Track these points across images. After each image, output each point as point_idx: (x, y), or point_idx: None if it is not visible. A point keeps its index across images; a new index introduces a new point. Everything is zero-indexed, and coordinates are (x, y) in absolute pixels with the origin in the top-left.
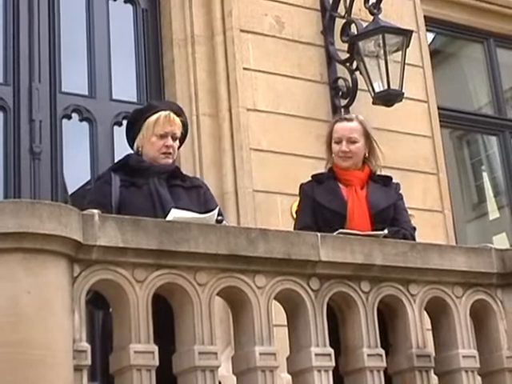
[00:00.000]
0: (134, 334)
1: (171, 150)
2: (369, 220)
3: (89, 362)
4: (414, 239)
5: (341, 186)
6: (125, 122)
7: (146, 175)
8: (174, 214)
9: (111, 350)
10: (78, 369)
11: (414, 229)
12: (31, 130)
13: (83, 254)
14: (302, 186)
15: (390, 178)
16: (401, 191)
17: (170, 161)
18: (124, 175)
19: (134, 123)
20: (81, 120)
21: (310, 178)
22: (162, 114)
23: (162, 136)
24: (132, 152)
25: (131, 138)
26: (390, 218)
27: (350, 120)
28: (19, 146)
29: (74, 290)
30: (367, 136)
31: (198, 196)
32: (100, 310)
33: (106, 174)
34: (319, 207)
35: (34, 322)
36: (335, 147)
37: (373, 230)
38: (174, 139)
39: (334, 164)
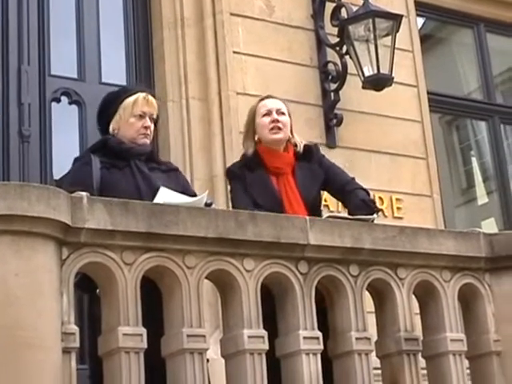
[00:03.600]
0: (123, 316)
1: (149, 131)
2: (304, 207)
3: (77, 344)
4: (371, 199)
5: (271, 175)
6: None
7: (125, 157)
8: (163, 194)
9: (99, 332)
10: (66, 351)
11: (363, 190)
12: (20, 113)
13: (72, 237)
14: (229, 168)
15: (310, 151)
16: (322, 152)
17: (148, 141)
18: (103, 157)
19: (109, 106)
20: (70, 103)
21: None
22: (140, 94)
23: (141, 116)
24: (108, 135)
25: (104, 121)
26: (318, 196)
27: (274, 97)
28: (8, 129)
29: (63, 273)
30: (290, 118)
31: (176, 179)
32: (86, 292)
33: (84, 155)
34: (252, 202)
35: (22, 304)
36: (264, 120)
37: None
38: (151, 120)
39: (260, 148)
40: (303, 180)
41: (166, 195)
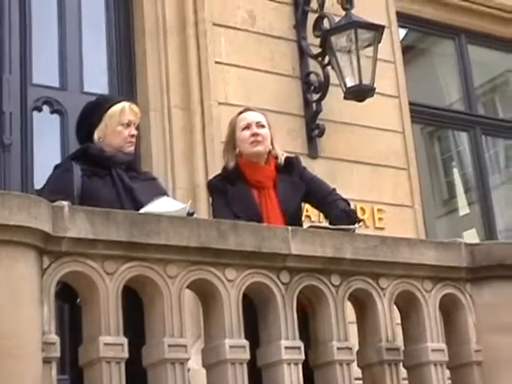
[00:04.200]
0: (104, 326)
1: (134, 139)
2: (282, 221)
3: (58, 354)
4: (351, 209)
5: (252, 189)
6: None
7: (106, 165)
8: (161, 202)
9: (80, 342)
10: (46, 361)
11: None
12: (1, 122)
13: (53, 246)
14: (211, 181)
15: (290, 163)
16: (303, 164)
17: (133, 149)
18: (83, 164)
19: (91, 115)
20: (52, 112)
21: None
22: (126, 104)
23: (128, 125)
24: (88, 143)
25: (85, 130)
26: (301, 213)
27: (253, 110)
28: None
29: (44, 282)
30: (270, 130)
31: (156, 188)
32: (67, 302)
33: (65, 162)
34: (233, 215)
35: (2, 313)
36: (244, 134)
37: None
38: (136, 129)
39: (241, 161)
40: (284, 193)
41: (163, 203)
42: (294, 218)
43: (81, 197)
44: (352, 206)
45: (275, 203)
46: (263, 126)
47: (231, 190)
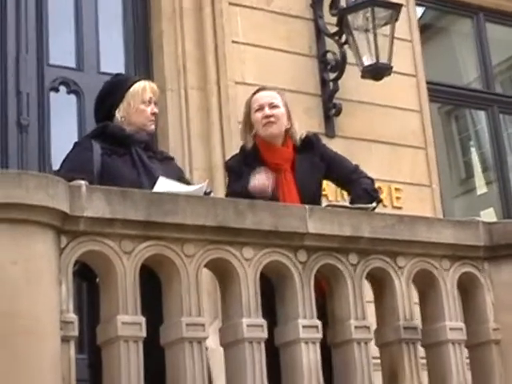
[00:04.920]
0: (122, 305)
1: (154, 118)
2: (299, 200)
3: (76, 333)
4: (374, 188)
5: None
6: None
7: (126, 144)
8: (162, 183)
9: (98, 320)
10: (65, 340)
11: (367, 178)
12: (18, 103)
13: (70, 226)
14: (227, 162)
15: (310, 141)
16: (323, 142)
17: (154, 127)
18: (103, 143)
19: (112, 94)
20: (68, 92)
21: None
22: (146, 82)
23: (149, 102)
24: (108, 121)
25: (105, 110)
26: (319, 193)
27: (268, 89)
28: (6, 119)
29: (61, 261)
30: (287, 109)
31: (172, 167)
32: (85, 280)
33: (84, 140)
34: (247, 194)
35: (20, 292)
36: (257, 115)
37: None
38: (156, 106)
39: (258, 142)
40: (302, 176)
41: (164, 185)
42: (311, 200)
43: (100, 175)
44: (375, 185)
45: (292, 186)
46: (277, 107)
47: (247, 173)
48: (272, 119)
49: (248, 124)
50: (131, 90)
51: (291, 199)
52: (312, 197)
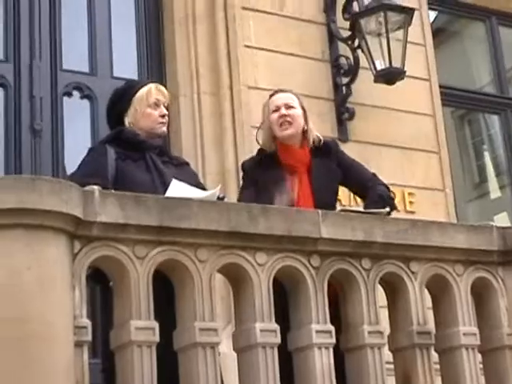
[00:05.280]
0: (135, 310)
1: (165, 120)
2: (312, 204)
3: (89, 337)
4: (389, 194)
5: (286, 173)
6: None
7: (140, 149)
8: (176, 186)
9: (112, 325)
10: (78, 345)
11: (383, 185)
12: (32, 108)
13: (83, 231)
14: (243, 163)
15: (328, 146)
16: (341, 148)
17: (165, 129)
18: (117, 148)
19: (120, 101)
20: (82, 97)
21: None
22: (152, 85)
23: (157, 105)
24: (122, 127)
25: (115, 116)
26: (334, 198)
27: (285, 91)
28: (20, 124)
29: (75, 267)
30: (304, 110)
31: (188, 173)
32: (100, 284)
33: (99, 146)
34: (264, 199)
35: (34, 298)
36: (274, 116)
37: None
38: (165, 108)
39: (277, 144)
40: (318, 179)
41: (178, 188)
42: (326, 206)
43: (115, 180)
44: (391, 193)
45: (308, 190)
46: (293, 107)
47: (263, 175)
48: (288, 119)
49: (267, 127)
50: (137, 95)
51: (305, 202)
52: (327, 202)
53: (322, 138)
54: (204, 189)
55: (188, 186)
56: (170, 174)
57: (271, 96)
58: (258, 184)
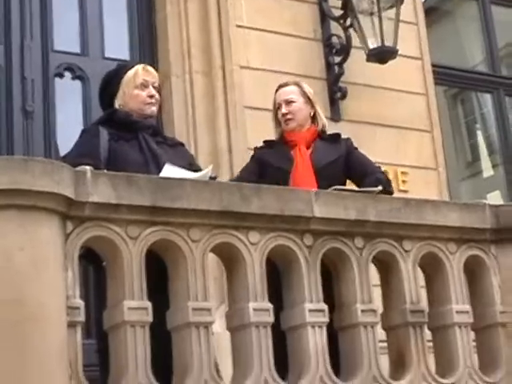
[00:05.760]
0: (128, 290)
1: (154, 100)
2: (313, 175)
3: (82, 318)
4: (388, 181)
5: (289, 148)
6: None
7: (133, 129)
8: (168, 170)
9: (105, 305)
10: (71, 325)
11: (383, 173)
12: (23, 89)
13: (76, 211)
14: (254, 148)
15: (338, 135)
16: (355, 145)
17: (155, 109)
18: (110, 129)
19: (109, 84)
20: (73, 78)
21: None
22: (139, 66)
23: (144, 86)
24: (115, 108)
25: (107, 100)
26: (337, 171)
27: (286, 85)
28: (11, 105)
29: (67, 247)
30: (308, 97)
31: (182, 153)
32: (93, 264)
33: (92, 127)
34: (266, 166)
35: (27, 278)
36: (279, 114)
37: (319, 186)
38: (154, 89)
39: (283, 131)
40: (319, 150)
41: (170, 172)
42: (328, 173)
43: (108, 160)
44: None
45: (306, 157)
46: (292, 102)
47: (269, 150)
48: (288, 116)
49: (276, 120)
50: (125, 77)
51: (304, 170)
52: (330, 172)
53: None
54: (198, 169)
55: (180, 170)
56: (163, 154)
57: (276, 91)
58: (264, 161)
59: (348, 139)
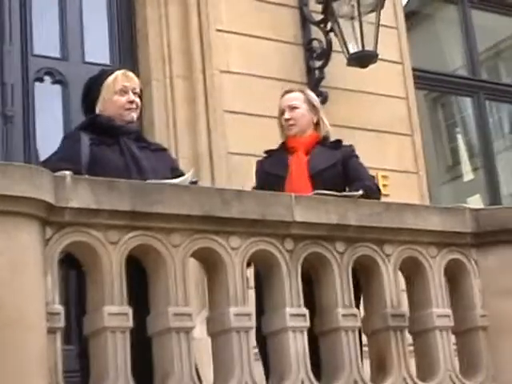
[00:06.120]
0: (108, 295)
1: (134, 105)
2: (308, 180)
3: (62, 324)
4: (378, 190)
5: (288, 155)
6: None
7: (114, 134)
8: None
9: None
10: (51, 331)
11: (377, 186)
12: (3, 94)
13: (55, 216)
14: (256, 162)
15: (339, 142)
16: (356, 152)
17: (135, 115)
18: (91, 134)
19: (90, 90)
20: (53, 83)
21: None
22: (119, 72)
23: (123, 92)
24: (96, 113)
25: (89, 106)
26: (334, 177)
27: (290, 91)
28: None
29: (47, 252)
30: (312, 105)
31: (165, 159)
32: (74, 269)
33: (73, 133)
34: (265, 174)
35: (6, 284)
36: (281, 119)
37: (313, 191)
38: (134, 95)
39: (286, 137)
40: (316, 156)
41: None
42: (323, 178)
43: (89, 165)
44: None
45: (303, 162)
46: (296, 108)
47: (269, 159)
48: (291, 122)
49: (281, 126)
50: (104, 83)
51: (300, 173)
52: (326, 178)
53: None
54: (182, 174)
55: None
56: (145, 158)
57: (281, 97)
58: (264, 171)
59: (349, 146)
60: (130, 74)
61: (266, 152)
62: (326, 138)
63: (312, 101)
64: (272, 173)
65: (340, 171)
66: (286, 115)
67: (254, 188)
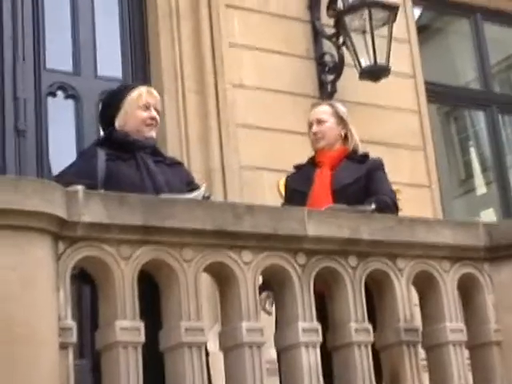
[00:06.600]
0: (120, 310)
1: (155, 122)
2: (330, 196)
3: (74, 339)
4: (395, 205)
5: (317, 168)
6: None
7: (131, 149)
8: None
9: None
10: (63, 346)
11: (394, 201)
12: (16, 108)
13: (68, 231)
14: (286, 178)
15: (366, 155)
16: (384, 165)
17: (154, 134)
18: (108, 149)
19: (110, 105)
20: (66, 97)
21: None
22: (143, 88)
23: (147, 107)
24: (113, 128)
25: (108, 119)
26: (358, 191)
27: (319, 104)
28: (3, 125)
29: (59, 267)
30: (340, 118)
31: (180, 173)
32: (87, 284)
33: (90, 148)
34: (292, 191)
35: (18, 299)
36: (309, 132)
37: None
38: (155, 111)
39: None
40: (342, 171)
41: None
42: (347, 193)
43: (105, 180)
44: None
45: (327, 177)
46: (323, 121)
47: (297, 174)
48: (318, 135)
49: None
50: (127, 97)
51: (323, 189)
52: (349, 193)
53: (358, 148)
54: (196, 188)
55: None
56: (160, 172)
57: (310, 109)
58: (292, 188)
59: (376, 159)
60: (153, 90)
61: (295, 167)
62: (355, 151)
63: (340, 114)
64: (298, 189)
65: (363, 185)
66: (314, 129)
67: (283, 205)
